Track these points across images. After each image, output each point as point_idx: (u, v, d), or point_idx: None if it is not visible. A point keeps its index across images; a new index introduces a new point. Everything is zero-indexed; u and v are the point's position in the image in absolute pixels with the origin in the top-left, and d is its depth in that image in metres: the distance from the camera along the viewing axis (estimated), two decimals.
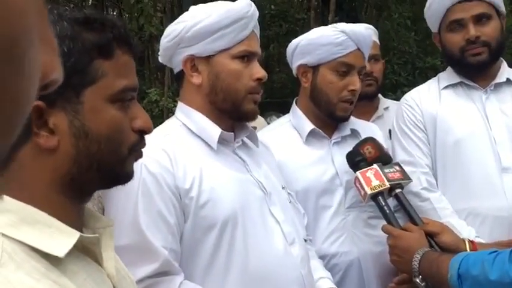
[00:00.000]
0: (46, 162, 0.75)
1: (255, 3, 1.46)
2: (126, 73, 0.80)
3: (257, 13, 1.45)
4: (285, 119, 1.92)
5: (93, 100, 0.76)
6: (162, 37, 1.46)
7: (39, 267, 0.68)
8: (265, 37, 9.16)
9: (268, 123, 2.80)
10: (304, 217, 1.68)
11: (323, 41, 1.71)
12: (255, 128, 2.19)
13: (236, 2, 1.42)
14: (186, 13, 1.42)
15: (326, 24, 1.84)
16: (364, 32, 1.75)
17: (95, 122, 0.76)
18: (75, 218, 0.79)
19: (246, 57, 1.39)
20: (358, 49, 1.72)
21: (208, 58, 1.40)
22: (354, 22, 1.83)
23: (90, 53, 0.76)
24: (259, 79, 1.40)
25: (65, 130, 0.75)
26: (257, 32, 1.45)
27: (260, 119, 2.34)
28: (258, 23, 1.46)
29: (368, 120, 2.22)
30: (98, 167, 0.78)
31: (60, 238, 0.72)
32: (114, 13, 13.12)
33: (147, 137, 1.42)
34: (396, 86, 8.23)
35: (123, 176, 0.84)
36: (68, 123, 0.75)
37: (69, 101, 0.75)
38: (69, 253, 0.72)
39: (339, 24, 1.74)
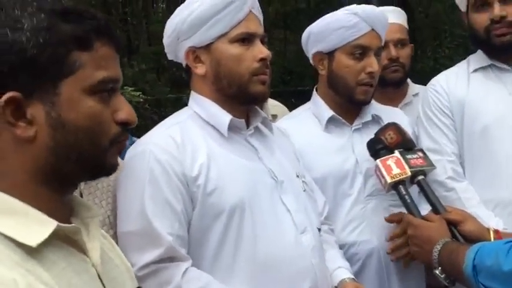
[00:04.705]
0: (25, 152, 0.76)
1: None
2: (106, 65, 0.81)
3: None
4: (305, 107, 1.89)
5: (71, 91, 0.77)
6: (164, 34, 1.46)
7: (13, 256, 0.70)
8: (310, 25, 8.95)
9: None
10: (326, 206, 1.65)
11: (335, 26, 1.67)
12: (275, 116, 2.19)
13: None
14: (181, 5, 1.42)
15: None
16: (377, 12, 1.69)
17: (72, 113, 0.77)
18: (59, 208, 0.80)
19: (245, 39, 1.38)
20: (373, 29, 1.67)
21: (208, 46, 1.39)
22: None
23: (67, 44, 0.77)
24: (262, 59, 1.39)
25: (42, 121, 0.76)
26: (257, 12, 1.42)
27: (282, 107, 2.32)
28: (257, 3, 1.43)
29: (396, 107, 2.14)
30: (77, 158, 0.79)
31: (36, 228, 0.73)
32: None
33: (158, 125, 1.46)
34: None
35: (105, 167, 0.84)
36: (45, 114, 0.76)
37: (47, 92, 0.76)
38: (49, 242, 0.74)
39: (350, 6, 1.69)
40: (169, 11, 11.42)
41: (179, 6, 1.44)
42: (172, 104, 8.21)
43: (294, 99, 7.46)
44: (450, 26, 9.02)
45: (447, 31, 8.98)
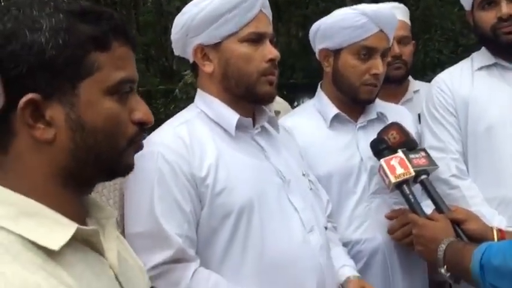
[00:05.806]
0: (43, 154, 0.75)
1: None
2: (124, 65, 0.79)
3: None
4: (309, 104, 1.88)
5: (90, 93, 0.76)
6: (172, 29, 1.44)
7: (35, 259, 0.69)
8: (302, 16, 9.01)
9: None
10: (329, 204, 1.65)
11: (343, 25, 1.65)
12: (278, 112, 2.17)
13: None
14: (191, 2, 1.40)
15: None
16: (388, 12, 1.68)
17: (91, 114, 0.76)
18: (76, 209, 0.79)
19: (255, 39, 1.36)
20: (381, 30, 1.66)
21: (217, 45, 1.38)
22: None
23: (85, 45, 0.75)
24: (271, 60, 1.37)
25: (62, 123, 0.75)
26: (267, 11, 1.41)
27: (284, 104, 2.30)
28: (267, 2, 1.41)
29: (396, 103, 2.14)
30: (95, 159, 0.78)
31: (57, 231, 0.72)
32: None
33: (165, 124, 1.45)
34: (438, 65, 7.96)
35: (122, 168, 0.83)
36: (65, 116, 0.75)
37: (65, 93, 0.74)
38: (68, 244, 0.73)
39: (360, 5, 1.67)
40: (159, 1, 11.31)
41: None
42: (163, 96, 8.17)
43: (285, 91, 7.46)
44: (440, 20, 9.04)
45: (437, 25, 8.99)
